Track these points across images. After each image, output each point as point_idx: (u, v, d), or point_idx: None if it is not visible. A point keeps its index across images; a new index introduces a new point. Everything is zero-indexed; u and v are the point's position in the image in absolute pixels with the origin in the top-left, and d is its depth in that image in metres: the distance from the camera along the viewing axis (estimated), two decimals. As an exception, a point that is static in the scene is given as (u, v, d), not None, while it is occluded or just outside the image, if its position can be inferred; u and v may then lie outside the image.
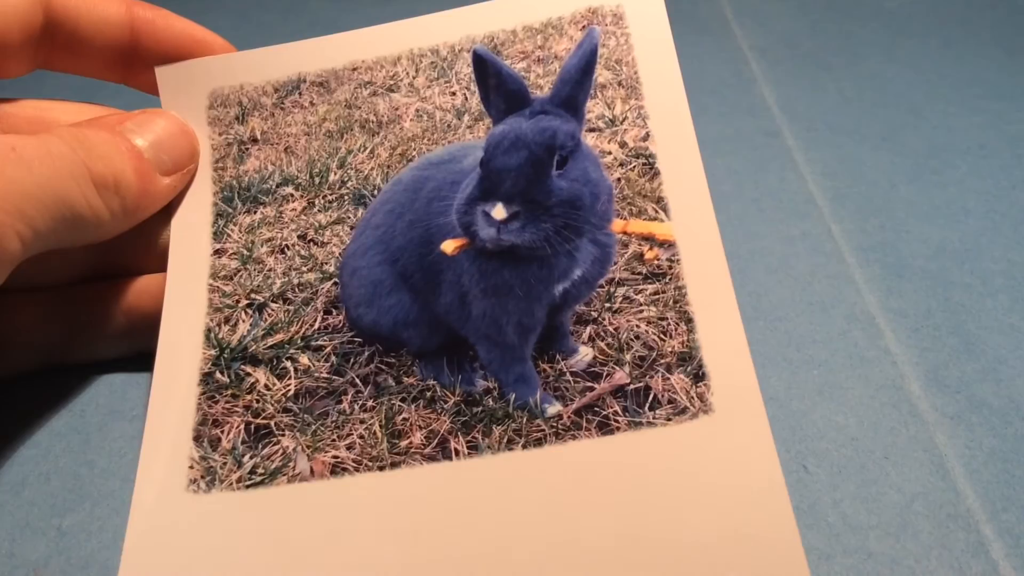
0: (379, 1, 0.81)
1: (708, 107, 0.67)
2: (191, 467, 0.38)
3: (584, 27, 0.45)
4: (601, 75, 0.44)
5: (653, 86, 0.43)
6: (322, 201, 0.45)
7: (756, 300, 0.50)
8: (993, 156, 0.62)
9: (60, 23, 0.43)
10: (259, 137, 0.47)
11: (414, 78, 0.47)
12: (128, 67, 0.46)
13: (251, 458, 0.38)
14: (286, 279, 0.43)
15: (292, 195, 0.46)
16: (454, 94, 0.46)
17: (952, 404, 0.44)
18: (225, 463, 0.38)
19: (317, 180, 0.46)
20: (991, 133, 0.65)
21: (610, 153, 0.43)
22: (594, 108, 0.44)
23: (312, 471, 0.38)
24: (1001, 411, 0.44)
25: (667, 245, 0.41)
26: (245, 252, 0.44)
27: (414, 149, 0.46)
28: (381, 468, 0.37)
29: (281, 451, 0.38)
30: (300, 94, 0.47)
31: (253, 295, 0.43)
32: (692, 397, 0.38)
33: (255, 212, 0.45)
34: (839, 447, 0.42)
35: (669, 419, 0.37)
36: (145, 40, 0.46)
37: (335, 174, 0.46)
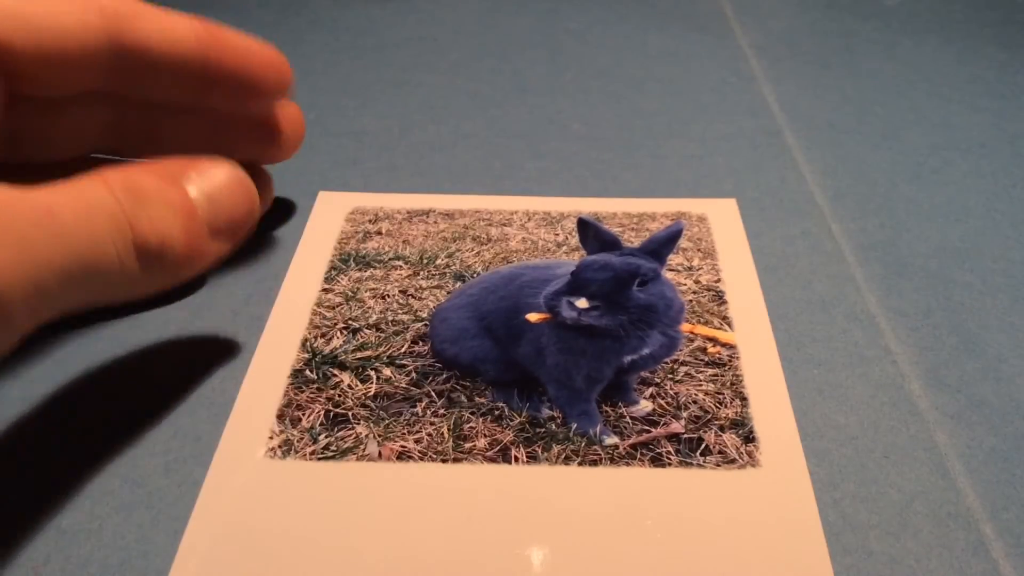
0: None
1: (708, 106, 0.67)
2: (271, 438, 0.42)
3: (673, 219, 0.56)
4: (684, 244, 0.54)
5: (726, 252, 0.54)
6: (426, 273, 0.53)
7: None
8: (993, 154, 0.62)
9: (129, 47, 0.41)
10: (383, 232, 0.56)
11: (526, 222, 0.57)
12: (198, 89, 0.45)
13: (326, 437, 0.42)
14: (382, 315, 0.49)
15: (401, 266, 0.53)
16: (557, 235, 0.56)
17: (952, 403, 0.44)
18: (302, 439, 0.42)
19: (425, 261, 0.53)
20: (992, 131, 0.65)
21: (685, 284, 0.51)
22: (674, 260, 0.53)
23: (380, 454, 0.41)
24: (1001, 410, 0.44)
25: (728, 346, 0.47)
26: (350, 293, 0.51)
27: (515, 258, 0.53)
28: (444, 461, 0.41)
29: (354, 435, 0.42)
30: (428, 216, 0.57)
31: (351, 321, 0.49)
32: (742, 452, 0.41)
33: (365, 271, 0.52)
34: (839, 446, 0.42)
35: (718, 465, 0.41)
36: (213, 60, 0.44)
37: (442, 260, 0.54)
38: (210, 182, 0.40)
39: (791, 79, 0.71)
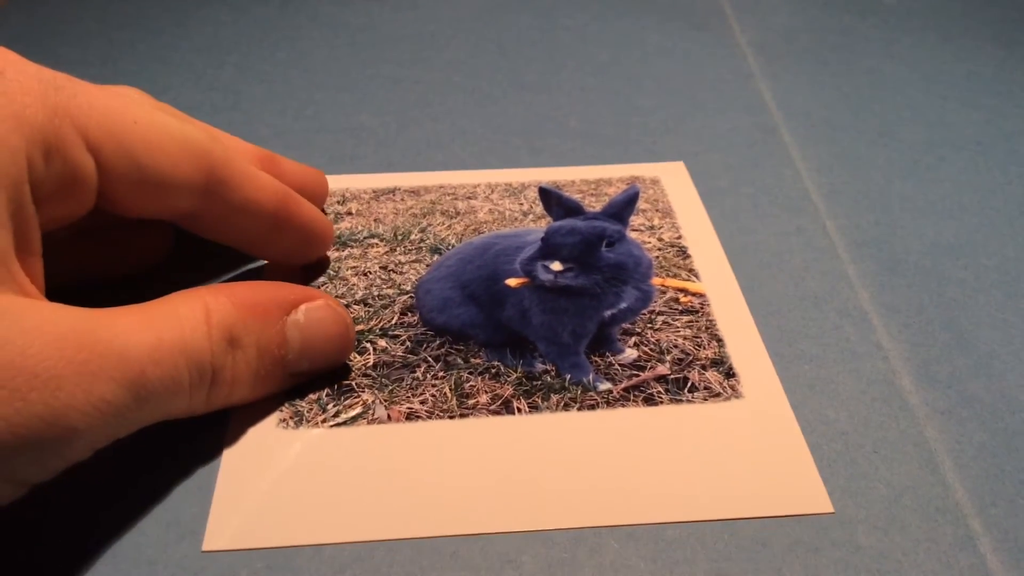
0: (378, -4, 0.82)
1: (705, 103, 0.68)
2: (280, 411, 0.43)
3: (629, 184, 0.59)
4: (642, 205, 0.57)
5: (682, 210, 0.57)
6: (403, 249, 0.54)
7: (749, 295, 0.50)
8: (989, 152, 0.62)
9: (218, 201, 0.43)
10: (353, 212, 0.57)
11: (490, 194, 0.59)
12: (263, 234, 0.46)
13: (335, 406, 0.43)
14: (367, 291, 0.51)
15: (376, 243, 0.54)
16: (522, 204, 0.58)
17: (943, 399, 0.44)
18: (311, 408, 0.43)
19: (400, 237, 0.55)
20: (988, 129, 0.65)
21: (650, 242, 0.54)
22: (636, 220, 0.56)
23: (389, 417, 0.43)
24: (992, 406, 0.44)
25: (698, 296, 0.50)
26: (332, 272, 0.52)
27: (485, 229, 0.55)
28: (451, 418, 0.43)
29: (361, 402, 0.44)
30: (394, 194, 0.59)
31: (338, 299, 0.49)
32: (725, 387, 0.45)
33: (343, 251, 0.54)
34: (829, 441, 0.42)
35: (705, 399, 0.44)
36: (282, 220, 0.46)
37: (416, 235, 0.55)
38: (310, 326, 0.42)
39: (788, 76, 0.71)
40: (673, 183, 0.59)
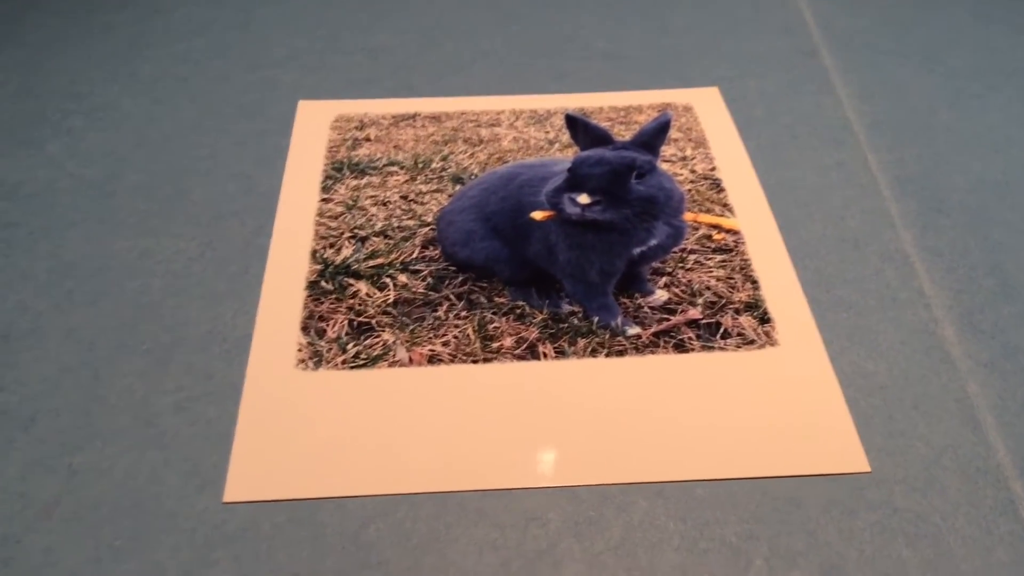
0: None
1: (741, 22, 0.64)
2: (299, 350, 0.42)
3: (660, 111, 0.56)
4: (674, 135, 0.54)
5: (717, 140, 0.54)
6: (423, 178, 0.52)
7: (785, 234, 0.48)
8: (1041, 81, 0.59)
9: None
10: (372, 138, 0.55)
11: (514, 121, 0.56)
12: None
13: (354, 346, 0.43)
14: (387, 222, 0.49)
15: (396, 172, 0.52)
16: (547, 132, 0.55)
17: (986, 350, 0.42)
18: (331, 349, 0.42)
19: (420, 165, 0.53)
20: (1040, 55, 0.61)
21: (682, 175, 0.52)
22: (667, 151, 0.53)
23: (411, 360, 0.42)
24: (1037, 359, 0.42)
25: (732, 232, 0.48)
26: (350, 202, 0.50)
27: (509, 158, 0.53)
28: (475, 362, 0.42)
29: (381, 343, 0.43)
30: (414, 120, 0.56)
31: (356, 230, 0.49)
32: (759, 333, 0.43)
33: (361, 179, 0.52)
34: (867, 396, 0.40)
35: (739, 347, 0.42)
36: None
37: (437, 163, 0.53)
38: None
39: (829, -7, 0.67)
40: (707, 110, 0.56)
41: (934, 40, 0.63)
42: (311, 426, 0.39)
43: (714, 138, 0.54)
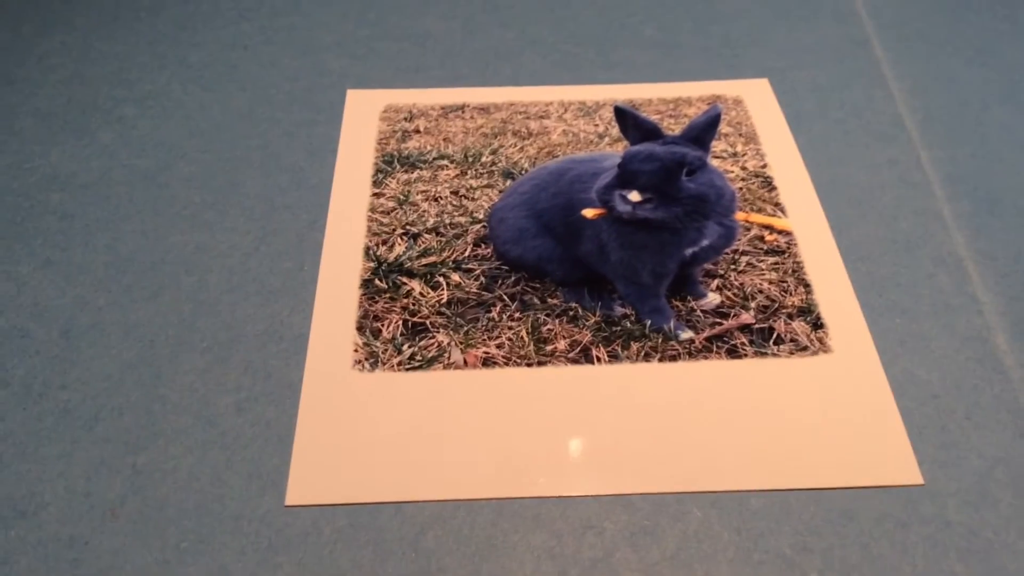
0: None
1: (790, 10, 0.63)
2: (355, 351, 0.43)
3: (710, 103, 0.55)
4: (724, 129, 0.54)
5: (767, 135, 0.54)
6: (474, 172, 0.52)
7: (838, 234, 0.48)
8: (1098, 76, 0.58)
9: None
10: (421, 130, 0.55)
11: (563, 113, 0.56)
12: None
13: (409, 347, 0.43)
14: (439, 219, 0.49)
15: (446, 165, 0.53)
16: (597, 126, 0.55)
17: (1040, 360, 0.42)
18: (386, 350, 0.43)
19: (470, 159, 0.53)
20: (1097, 48, 0.60)
21: (733, 172, 0.51)
22: (718, 146, 0.53)
23: (465, 362, 0.43)
24: (1091, 370, 0.42)
25: (785, 233, 0.48)
26: (401, 197, 0.51)
27: (559, 152, 0.53)
28: (529, 365, 0.42)
29: (436, 344, 0.43)
30: (463, 111, 0.56)
31: (408, 226, 0.49)
32: (812, 339, 0.43)
33: (412, 173, 0.52)
34: (920, 405, 0.41)
35: (792, 353, 0.43)
36: None
37: (487, 157, 0.53)
38: None
39: (880, -22, 0.66)
40: (757, 104, 0.56)
41: (987, 30, 0.62)
42: (369, 429, 0.40)
43: (764, 133, 0.54)
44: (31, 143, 0.53)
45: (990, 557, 0.35)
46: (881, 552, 0.36)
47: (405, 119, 0.55)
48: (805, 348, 0.43)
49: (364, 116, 0.55)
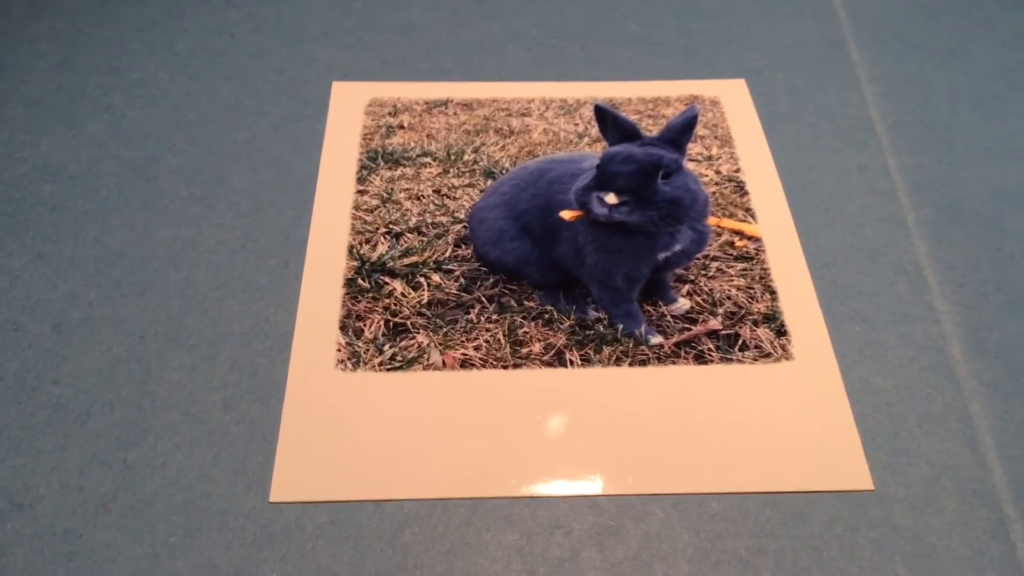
0: None
1: (771, 9, 0.65)
2: (338, 350, 0.44)
3: (687, 104, 0.57)
4: (700, 131, 0.55)
5: (742, 138, 0.55)
6: (456, 171, 0.53)
7: (805, 241, 0.49)
8: (1064, 84, 0.60)
9: None
10: (405, 125, 0.56)
11: (544, 111, 0.57)
12: None
13: (390, 348, 0.45)
14: (421, 218, 0.51)
15: (429, 163, 0.54)
16: (577, 125, 0.56)
17: (990, 370, 0.44)
18: (368, 350, 0.45)
19: (453, 157, 0.54)
20: (1065, 55, 0.62)
21: (707, 176, 0.53)
22: (694, 149, 0.54)
23: (444, 363, 0.44)
24: (1038, 380, 0.44)
25: (754, 239, 0.50)
26: (385, 195, 0.52)
27: (539, 151, 0.54)
28: (505, 367, 0.44)
29: (416, 345, 0.45)
30: (446, 107, 0.57)
31: (391, 225, 0.50)
32: (776, 346, 0.45)
33: (395, 170, 0.53)
34: (874, 412, 0.43)
35: (755, 360, 0.45)
36: None
37: (469, 155, 0.54)
38: None
39: (860, -25, 0.67)
40: (733, 105, 0.57)
41: (961, 31, 0.63)
42: (350, 428, 0.41)
43: (739, 136, 0.55)
44: (21, 132, 0.54)
45: (932, 561, 0.38)
46: (831, 555, 0.38)
47: (390, 114, 0.56)
48: (768, 355, 0.45)
49: (349, 110, 0.56)
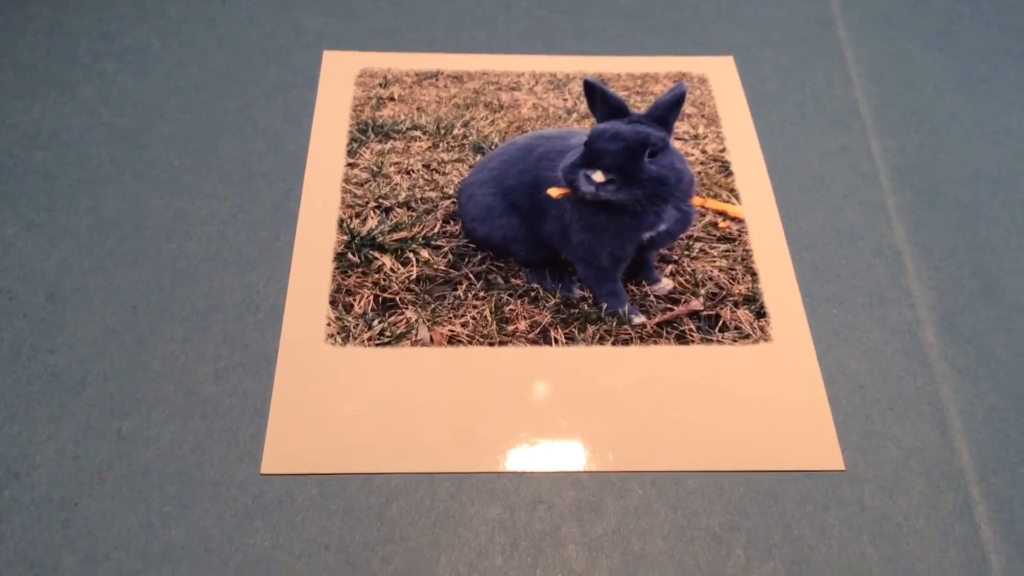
0: None
1: (761, -15, 0.65)
2: (328, 324, 0.45)
3: (675, 81, 0.57)
4: (688, 109, 0.56)
5: (729, 117, 0.56)
6: (445, 145, 0.54)
7: (787, 223, 0.50)
8: (1047, 68, 0.61)
9: None
10: (396, 97, 0.56)
11: (534, 86, 0.58)
12: None
13: (380, 323, 0.46)
14: (410, 192, 0.51)
15: (419, 136, 0.54)
16: (566, 100, 0.57)
17: (963, 355, 0.46)
18: (358, 324, 0.46)
19: (442, 131, 0.55)
20: (1049, 39, 0.63)
21: (693, 155, 0.54)
22: (681, 127, 0.55)
23: (431, 339, 0.45)
24: (1007, 364, 0.46)
25: (737, 221, 0.51)
26: (375, 168, 0.52)
27: (528, 127, 0.55)
28: (491, 344, 0.45)
29: (405, 320, 0.46)
30: (436, 79, 0.57)
31: (381, 199, 0.51)
32: (755, 328, 0.46)
33: (385, 143, 0.54)
34: (847, 394, 0.44)
35: (735, 340, 0.46)
36: None
37: (459, 129, 0.55)
38: None
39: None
40: (721, 83, 0.58)
41: (948, 11, 0.64)
42: (339, 402, 0.43)
43: (726, 115, 0.56)
44: (13, 98, 0.54)
45: (899, 541, 0.40)
46: (801, 533, 0.40)
47: (380, 85, 0.57)
48: (747, 336, 0.46)
49: (340, 80, 0.56)
